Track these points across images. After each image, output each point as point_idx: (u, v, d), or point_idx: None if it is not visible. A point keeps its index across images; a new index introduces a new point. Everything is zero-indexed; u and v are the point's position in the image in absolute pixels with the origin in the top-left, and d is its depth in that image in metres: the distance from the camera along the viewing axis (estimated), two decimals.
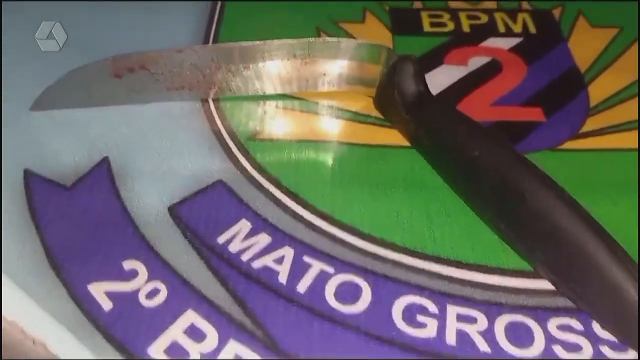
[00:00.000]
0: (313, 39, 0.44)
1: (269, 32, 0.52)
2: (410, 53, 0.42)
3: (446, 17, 0.56)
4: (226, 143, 0.43)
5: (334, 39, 0.44)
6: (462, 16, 0.56)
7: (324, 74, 0.46)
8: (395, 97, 0.42)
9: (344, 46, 0.45)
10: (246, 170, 0.42)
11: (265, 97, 0.47)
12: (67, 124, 0.45)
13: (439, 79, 0.49)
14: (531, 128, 0.45)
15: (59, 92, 0.44)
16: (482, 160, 0.37)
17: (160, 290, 0.34)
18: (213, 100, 0.47)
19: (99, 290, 0.34)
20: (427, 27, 0.55)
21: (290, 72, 0.46)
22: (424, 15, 0.56)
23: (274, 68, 0.45)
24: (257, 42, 0.44)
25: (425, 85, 0.42)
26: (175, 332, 0.32)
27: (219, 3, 0.56)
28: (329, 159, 0.43)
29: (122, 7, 0.56)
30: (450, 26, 0.55)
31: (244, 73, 0.45)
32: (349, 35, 0.54)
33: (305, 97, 0.47)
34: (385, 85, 0.43)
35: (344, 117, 0.46)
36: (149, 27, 0.54)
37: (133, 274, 0.35)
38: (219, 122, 0.45)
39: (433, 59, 0.51)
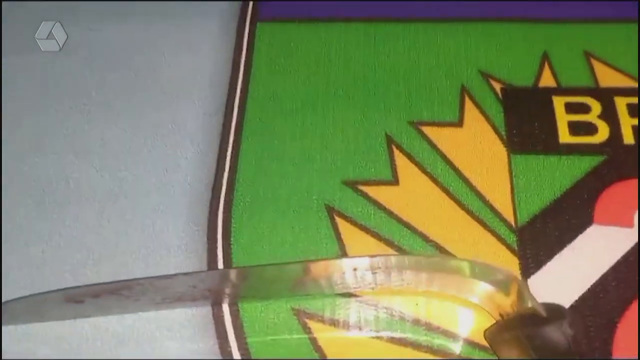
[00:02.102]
0: (379, 258, 0.28)
1: (323, 141, 0.36)
2: (559, 305, 0.26)
3: (595, 111, 0.37)
4: None
5: (419, 258, 0.28)
6: (620, 106, 0.36)
7: (402, 279, 0.31)
8: None
9: (436, 263, 0.28)
10: None
11: (308, 298, 0.32)
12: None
13: (585, 258, 0.31)
14: None
15: (10, 312, 0.31)
16: None
17: None
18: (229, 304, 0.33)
19: None
20: (564, 135, 0.35)
21: (349, 280, 0.31)
22: (559, 104, 0.37)
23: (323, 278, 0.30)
24: (290, 265, 0.28)
25: (579, 353, 0.26)
26: None
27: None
28: None
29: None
30: (603, 132, 0.35)
31: (273, 286, 0.30)
32: (433, 148, 0.34)
33: (369, 298, 0.32)
34: (512, 333, 0.28)
35: (432, 352, 0.30)
36: None
37: None
38: (234, 349, 0.32)
39: (577, 212, 0.33)
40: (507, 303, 0.27)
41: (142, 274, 0.33)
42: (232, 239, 0.33)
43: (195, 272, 0.32)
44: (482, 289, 0.28)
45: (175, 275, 0.29)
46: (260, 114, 0.38)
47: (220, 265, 0.33)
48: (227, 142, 0.37)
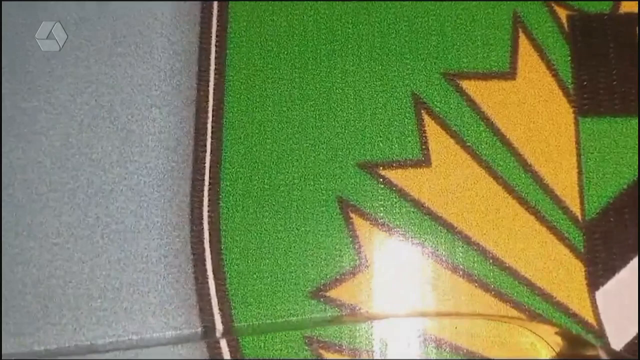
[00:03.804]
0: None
1: (330, 108, 0.28)
2: None
3: None
4: None
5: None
6: None
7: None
8: None
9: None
10: None
11: (323, 323, 0.26)
12: None
13: None
14: None
15: None
16: None
17: None
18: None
19: None
20: None
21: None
22: None
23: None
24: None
25: None
26: None
27: None
28: None
29: None
30: None
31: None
32: (477, 111, 0.27)
33: (398, 321, 0.27)
34: None
35: None
36: None
37: None
38: None
39: None
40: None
41: (115, 295, 0.28)
42: (222, 246, 0.28)
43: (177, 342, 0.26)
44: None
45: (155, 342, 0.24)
46: (246, 68, 0.29)
47: (211, 281, 0.28)
48: (206, 112, 0.30)
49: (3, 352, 0.27)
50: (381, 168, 0.28)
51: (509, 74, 0.28)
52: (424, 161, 0.28)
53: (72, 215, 0.29)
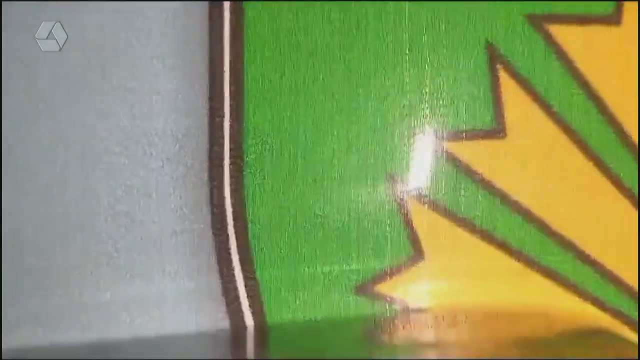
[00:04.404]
0: None
1: (379, 57, 0.22)
2: None
3: None
4: None
5: None
6: None
7: None
8: None
9: None
10: None
11: None
12: None
13: None
14: None
15: None
16: None
17: None
18: None
19: None
20: None
21: None
22: None
23: None
24: None
25: None
26: None
27: None
28: None
29: None
30: None
31: None
32: (567, 65, 0.21)
33: None
34: None
35: None
36: None
37: None
38: None
39: None
40: None
41: (126, 288, 0.24)
42: (249, 232, 0.23)
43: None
44: None
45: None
46: (270, 9, 0.24)
47: (238, 272, 0.24)
48: (222, 68, 0.24)
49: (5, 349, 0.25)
50: (442, 139, 0.23)
51: (613, 17, 0.22)
52: (498, 131, 0.22)
53: (67, 195, 0.25)
